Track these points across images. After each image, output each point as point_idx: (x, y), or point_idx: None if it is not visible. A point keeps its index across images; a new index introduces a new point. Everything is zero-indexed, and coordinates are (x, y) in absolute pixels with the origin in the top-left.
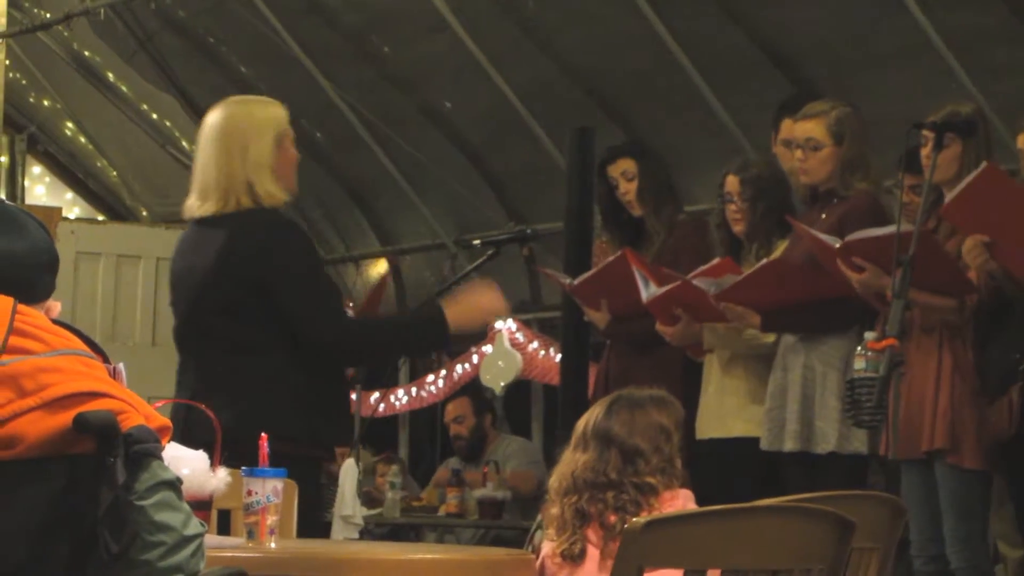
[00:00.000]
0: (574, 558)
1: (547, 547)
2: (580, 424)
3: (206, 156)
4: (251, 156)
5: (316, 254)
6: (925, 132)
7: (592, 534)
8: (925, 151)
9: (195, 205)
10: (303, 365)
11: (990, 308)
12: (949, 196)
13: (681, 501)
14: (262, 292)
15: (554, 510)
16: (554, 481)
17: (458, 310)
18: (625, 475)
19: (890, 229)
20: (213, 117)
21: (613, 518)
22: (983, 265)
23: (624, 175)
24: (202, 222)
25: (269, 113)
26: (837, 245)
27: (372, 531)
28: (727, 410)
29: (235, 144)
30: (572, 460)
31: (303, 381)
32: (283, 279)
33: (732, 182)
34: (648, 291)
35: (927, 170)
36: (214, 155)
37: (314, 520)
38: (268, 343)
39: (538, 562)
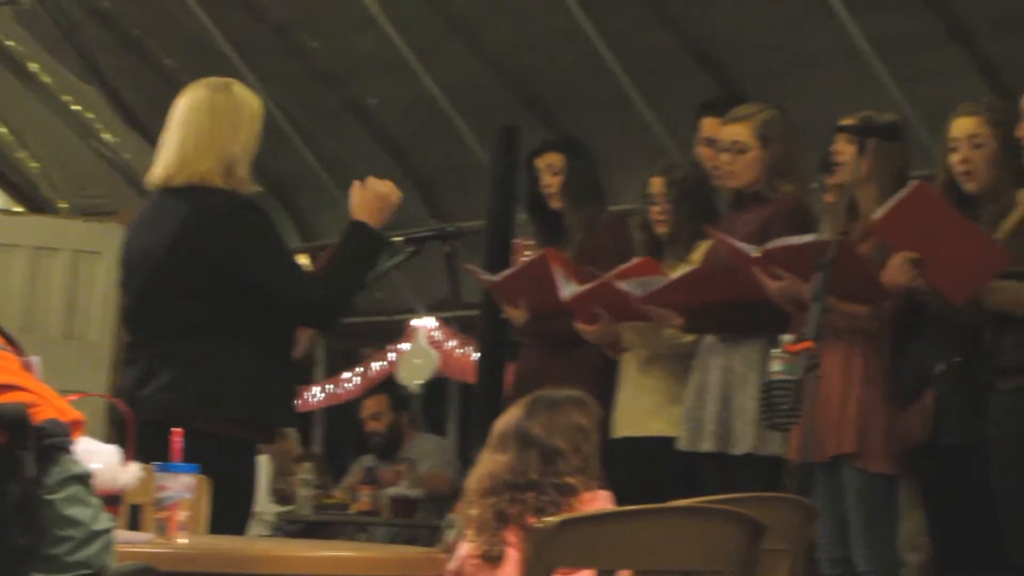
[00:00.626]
0: (493, 560)
1: (466, 548)
2: (498, 425)
3: (194, 127)
4: (240, 139)
5: (281, 234)
6: (847, 136)
7: (511, 536)
8: (839, 148)
9: (167, 174)
10: (253, 347)
11: (907, 314)
12: (879, 212)
13: (601, 503)
14: (224, 270)
15: (473, 511)
16: (472, 482)
17: (366, 212)
18: (546, 476)
19: (808, 238)
20: (205, 92)
21: (533, 519)
22: (911, 282)
23: (549, 168)
24: (168, 192)
25: (257, 104)
26: (755, 254)
27: (284, 528)
28: (643, 409)
29: (227, 123)
30: (491, 461)
31: (252, 363)
32: (255, 254)
33: (657, 184)
34: (568, 289)
35: (841, 170)
36: (205, 128)
37: (245, 503)
38: (220, 324)
39: (456, 564)
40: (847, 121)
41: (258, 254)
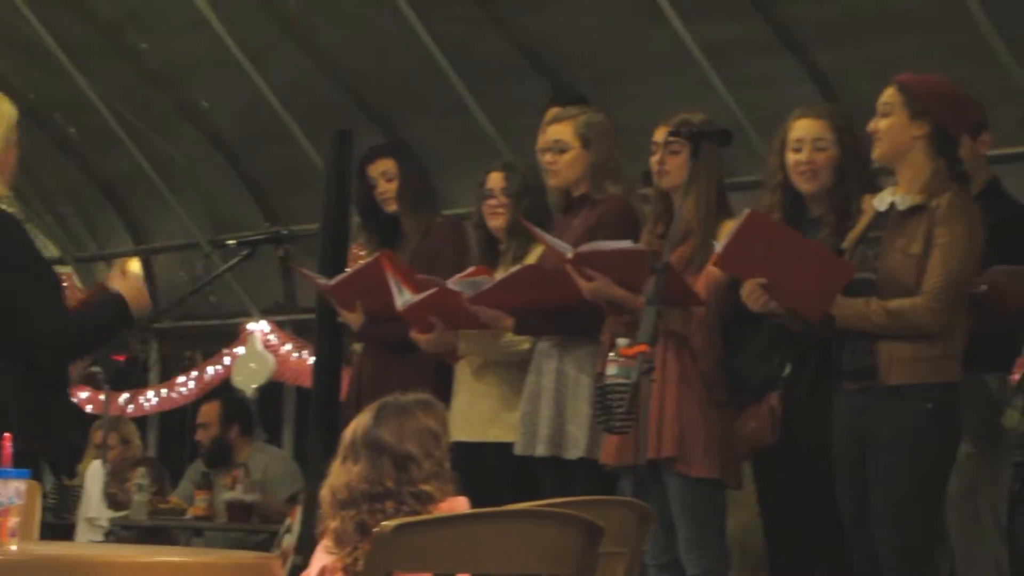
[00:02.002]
0: (357, 573)
1: (325, 561)
2: (347, 434)
3: None
4: None
5: (36, 249)
6: (678, 139)
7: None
8: (655, 159)
9: None
10: (19, 364)
11: (742, 315)
12: (718, 247)
13: (460, 510)
14: None
15: (333, 524)
16: (327, 494)
17: (131, 296)
18: (401, 484)
19: (622, 244)
20: None
21: None
22: (765, 307)
23: (384, 175)
24: None
25: (2, 109)
26: (568, 255)
27: (118, 534)
28: (478, 415)
29: None
30: (344, 471)
31: (16, 381)
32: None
33: (495, 178)
34: (403, 298)
35: (657, 176)
36: None
37: None
38: None
39: (313, 573)
40: (669, 126)
41: (4, 270)
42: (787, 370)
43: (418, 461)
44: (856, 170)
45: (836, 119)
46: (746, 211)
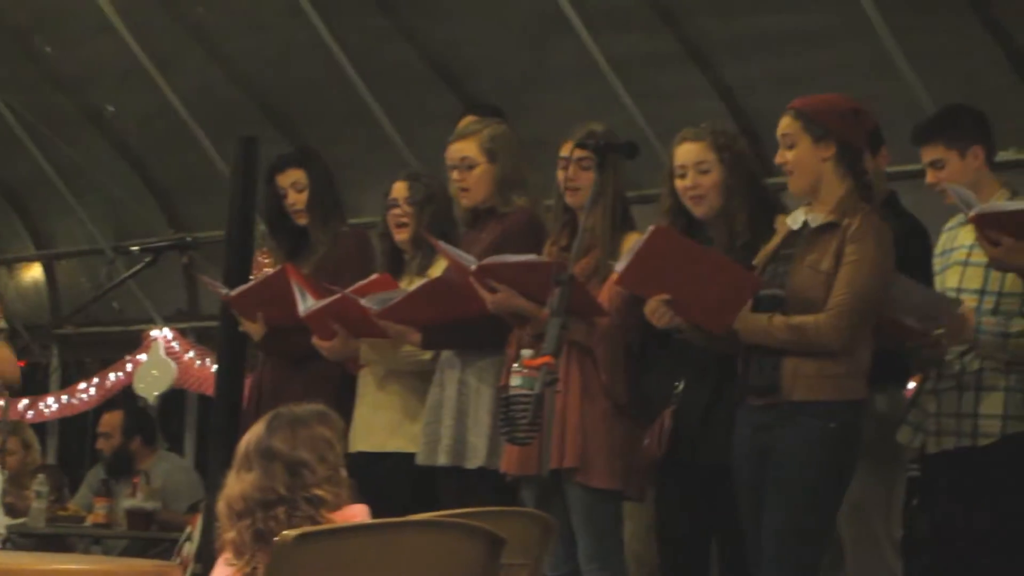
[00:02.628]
0: None
1: (227, 572)
2: (241, 445)
3: None
4: None
5: None
6: (584, 152)
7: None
8: (562, 175)
9: None
10: None
11: (654, 333)
12: (621, 264)
13: (359, 518)
14: None
15: (229, 535)
16: (223, 506)
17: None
18: (295, 490)
19: (526, 257)
20: None
21: None
22: (669, 323)
23: (294, 186)
24: None
25: None
26: (472, 267)
27: (15, 541)
28: (381, 425)
29: None
30: (239, 481)
31: None
32: None
33: (400, 188)
34: (306, 304)
35: (566, 193)
36: None
37: None
38: None
39: None
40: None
41: None
42: (680, 387)
43: (311, 467)
44: (740, 188)
45: (716, 138)
46: (650, 228)
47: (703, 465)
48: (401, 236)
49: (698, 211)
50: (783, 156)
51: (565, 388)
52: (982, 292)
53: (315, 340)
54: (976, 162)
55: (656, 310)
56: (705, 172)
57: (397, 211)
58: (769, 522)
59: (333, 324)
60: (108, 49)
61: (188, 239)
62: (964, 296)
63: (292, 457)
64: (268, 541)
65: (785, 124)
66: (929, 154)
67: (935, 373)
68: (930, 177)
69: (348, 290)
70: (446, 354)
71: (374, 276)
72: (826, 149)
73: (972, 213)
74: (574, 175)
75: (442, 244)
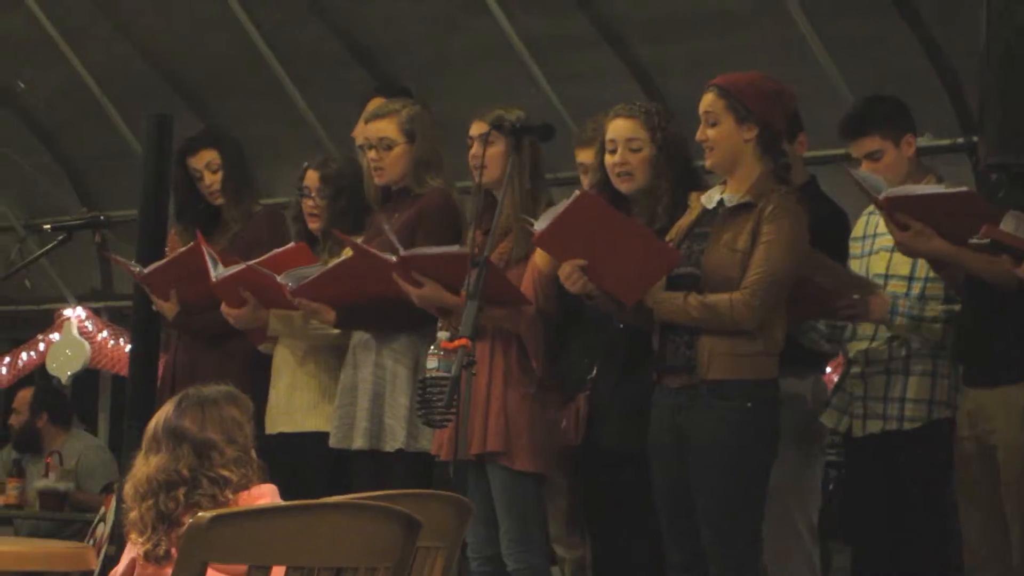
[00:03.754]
0: (159, 560)
1: (131, 552)
2: (150, 426)
3: None
4: None
5: None
6: (484, 127)
7: (175, 535)
8: (472, 153)
9: None
10: None
11: (569, 310)
12: (540, 224)
13: (267, 498)
14: None
15: (133, 515)
16: (129, 488)
17: None
18: (200, 471)
19: (447, 249)
20: None
21: (187, 517)
22: (582, 288)
23: (208, 167)
24: None
25: None
26: (394, 259)
27: None
28: (297, 405)
29: None
30: (145, 464)
31: None
32: None
33: (312, 177)
34: (217, 272)
35: (476, 172)
36: None
37: None
38: None
39: (123, 567)
40: (485, 121)
41: None
42: (594, 371)
43: (219, 448)
44: (668, 170)
45: (650, 117)
46: (577, 191)
47: (616, 451)
48: (314, 226)
49: (624, 187)
50: (703, 133)
51: (489, 371)
52: (910, 278)
53: (223, 308)
54: (910, 150)
55: (571, 275)
56: (636, 150)
57: (310, 203)
58: (701, 509)
59: (243, 292)
60: (17, 23)
61: (101, 217)
62: (892, 283)
63: (201, 438)
64: (170, 521)
65: (708, 102)
66: (865, 146)
67: (863, 357)
68: (866, 168)
69: (265, 256)
70: (360, 336)
71: (291, 244)
72: (748, 130)
73: (882, 196)
74: (477, 151)
75: (357, 243)
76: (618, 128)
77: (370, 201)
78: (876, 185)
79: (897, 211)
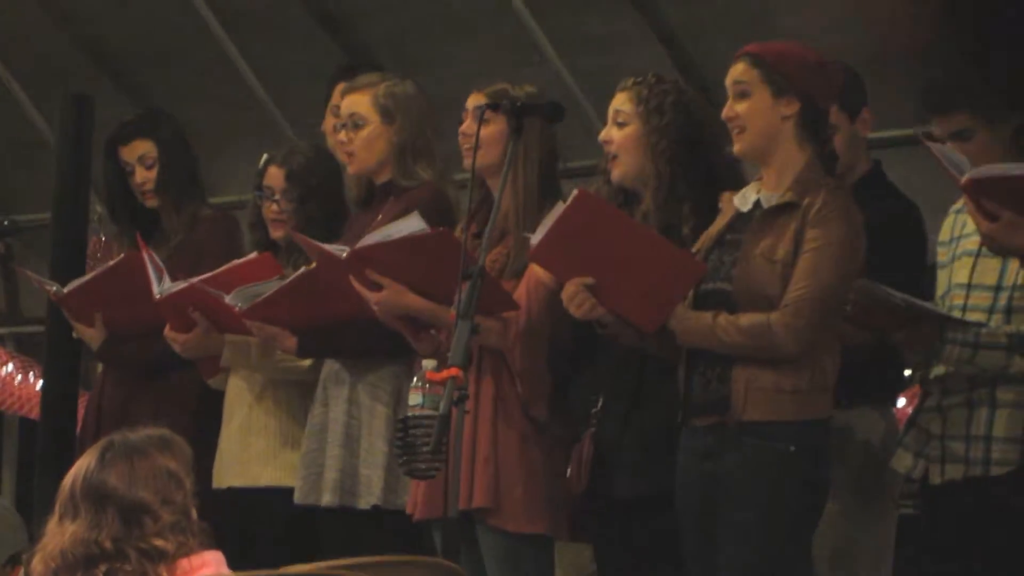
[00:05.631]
0: None
1: None
2: (66, 483)
3: None
4: None
5: None
6: (480, 98)
7: None
8: (463, 128)
9: None
10: None
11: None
12: (537, 236)
13: (210, 568)
14: None
15: None
16: (37, 564)
17: None
18: (127, 542)
19: (413, 230)
20: None
21: None
22: (590, 312)
23: (142, 160)
24: None
25: None
26: (344, 255)
27: None
28: (252, 453)
29: None
30: (59, 532)
31: None
32: None
33: (274, 175)
34: (162, 287)
35: (465, 153)
36: None
37: None
38: None
39: None
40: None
41: None
42: (599, 404)
43: (153, 511)
44: (672, 154)
45: (641, 88)
46: (575, 191)
47: (624, 499)
48: (277, 234)
49: (614, 174)
50: (731, 109)
51: (474, 408)
52: (997, 288)
53: (168, 332)
54: (1008, 131)
55: (575, 296)
56: (620, 125)
57: (274, 208)
58: (725, 569)
59: (193, 313)
60: None
61: (5, 223)
62: (975, 294)
63: (129, 499)
64: None
65: (739, 71)
66: (951, 123)
67: (939, 386)
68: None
69: (219, 270)
70: (332, 365)
71: (254, 255)
72: (788, 106)
73: (964, 178)
74: (468, 128)
75: (305, 239)
76: (612, 104)
77: (350, 202)
78: (959, 164)
79: (984, 197)
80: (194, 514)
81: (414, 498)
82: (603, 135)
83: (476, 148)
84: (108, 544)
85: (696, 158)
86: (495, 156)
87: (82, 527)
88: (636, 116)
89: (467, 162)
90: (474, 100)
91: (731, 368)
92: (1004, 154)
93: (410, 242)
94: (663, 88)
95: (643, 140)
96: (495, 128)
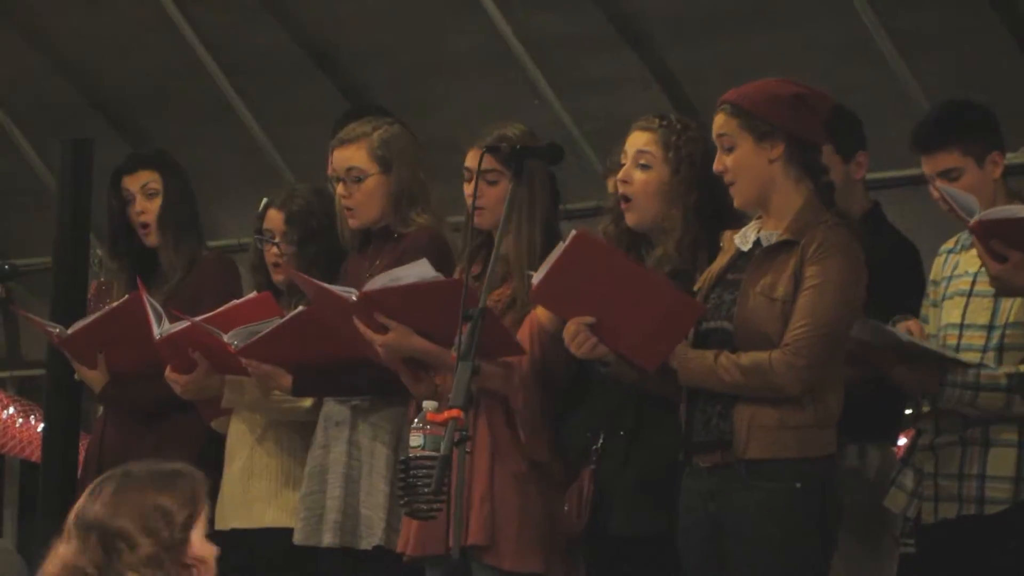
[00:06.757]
0: None
1: None
2: (71, 513)
3: None
4: None
5: None
6: (496, 167)
7: None
8: (469, 189)
9: None
10: None
11: (581, 371)
12: (538, 276)
13: None
14: None
15: None
16: None
17: None
18: (109, 569)
19: (424, 276)
20: None
21: None
22: (591, 352)
23: (144, 189)
24: None
25: None
26: (354, 297)
27: None
28: (255, 494)
29: None
30: (54, 557)
31: None
32: None
33: (274, 219)
34: (162, 328)
35: (472, 214)
36: None
37: None
38: None
39: None
40: (481, 148)
41: None
42: (600, 440)
43: (132, 540)
44: (686, 197)
45: (669, 132)
46: (573, 232)
47: (621, 537)
48: (279, 277)
49: (628, 218)
50: (721, 163)
51: (471, 446)
52: (990, 327)
53: (168, 374)
54: (996, 171)
55: (576, 335)
56: (644, 167)
57: (275, 251)
58: None
59: (193, 353)
60: None
61: (5, 267)
62: (968, 334)
63: (109, 527)
64: None
65: (720, 123)
66: (941, 162)
67: (933, 424)
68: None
69: (220, 309)
70: (332, 406)
71: (253, 294)
72: (773, 149)
73: (973, 220)
74: (480, 192)
75: (313, 281)
76: (631, 141)
77: (344, 244)
78: (968, 205)
79: (993, 239)
80: (188, 553)
81: (406, 536)
82: (623, 174)
83: (475, 195)
84: (91, 571)
85: (716, 207)
86: (500, 212)
87: (70, 552)
88: (663, 162)
89: (476, 220)
90: (473, 158)
91: (733, 405)
92: (993, 194)
93: (423, 288)
94: (692, 136)
95: (667, 188)
96: (503, 189)
